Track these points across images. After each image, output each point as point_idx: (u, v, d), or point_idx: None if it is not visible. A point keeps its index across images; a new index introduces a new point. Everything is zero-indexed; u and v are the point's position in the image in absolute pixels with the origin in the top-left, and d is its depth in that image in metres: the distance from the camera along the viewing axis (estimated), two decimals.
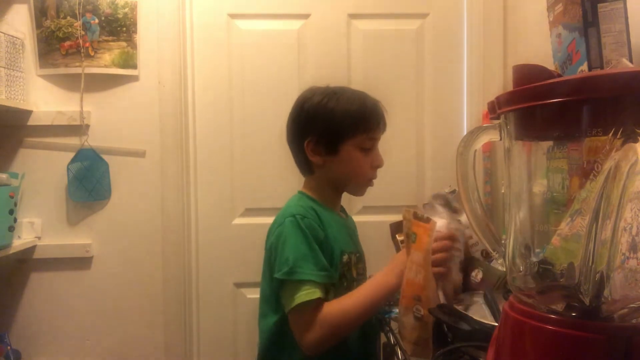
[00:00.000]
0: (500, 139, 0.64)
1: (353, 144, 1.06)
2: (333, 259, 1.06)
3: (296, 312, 0.97)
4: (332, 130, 1.06)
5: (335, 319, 0.98)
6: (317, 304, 0.97)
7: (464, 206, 0.68)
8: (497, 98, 0.61)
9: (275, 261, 1.02)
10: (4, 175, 1.64)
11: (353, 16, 1.89)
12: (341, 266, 1.08)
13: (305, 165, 1.12)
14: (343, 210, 1.25)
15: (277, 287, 1.02)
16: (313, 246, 1.00)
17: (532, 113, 0.57)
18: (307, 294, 0.96)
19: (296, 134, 1.11)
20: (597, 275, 0.52)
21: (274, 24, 1.89)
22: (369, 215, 1.81)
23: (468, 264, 1.12)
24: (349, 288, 1.07)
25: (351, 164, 1.08)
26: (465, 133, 0.69)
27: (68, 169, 1.78)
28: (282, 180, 1.75)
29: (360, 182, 1.12)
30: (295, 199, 1.12)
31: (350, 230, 1.20)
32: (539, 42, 1.42)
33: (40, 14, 1.76)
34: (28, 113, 1.77)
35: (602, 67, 0.93)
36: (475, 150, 0.67)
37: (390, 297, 1.05)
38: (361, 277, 1.14)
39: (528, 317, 0.56)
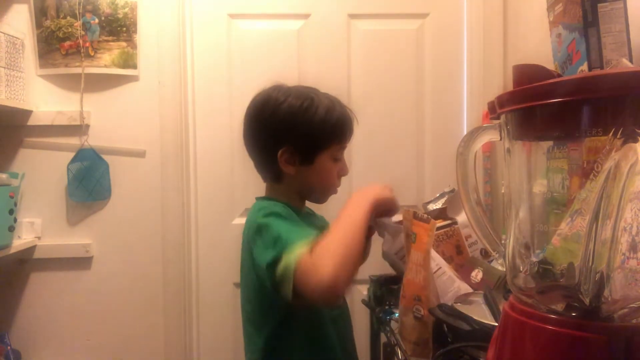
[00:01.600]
0: (500, 139, 0.64)
1: (328, 154, 1.02)
2: None
3: (299, 272, 0.83)
4: (311, 141, 1.00)
5: (329, 243, 0.86)
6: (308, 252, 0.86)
7: (464, 206, 0.68)
8: (497, 98, 0.61)
9: (259, 259, 0.92)
10: (4, 175, 1.64)
11: (353, 16, 1.89)
12: None
13: (274, 174, 1.05)
14: (311, 212, 1.21)
15: (270, 274, 0.88)
16: (294, 220, 0.96)
17: (532, 113, 0.57)
18: (298, 250, 0.85)
19: (267, 141, 1.02)
20: (597, 275, 0.52)
21: (274, 24, 1.89)
22: None
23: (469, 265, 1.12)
24: None
25: (323, 174, 1.04)
26: (465, 133, 0.69)
27: (68, 169, 1.78)
28: None
29: (328, 192, 1.08)
30: (266, 203, 1.04)
31: (316, 226, 1.13)
32: (539, 42, 1.42)
33: (40, 14, 1.76)
34: (28, 113, 1.77)
35: (602, 67, 0.93)
36: (476, 151, 0.67)
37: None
38: None
39: (528, 317, 0.56)
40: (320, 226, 1.13)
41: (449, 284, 1.00)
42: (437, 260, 1.03)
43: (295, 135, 1.00)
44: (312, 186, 1.06)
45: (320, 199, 1.10)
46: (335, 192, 1.10)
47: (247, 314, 1.08)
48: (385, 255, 1.14)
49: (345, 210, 0.95)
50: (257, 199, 1.11)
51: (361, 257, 0.92)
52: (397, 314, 1.17)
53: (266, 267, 0.88)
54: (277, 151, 1.00)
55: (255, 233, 0.94)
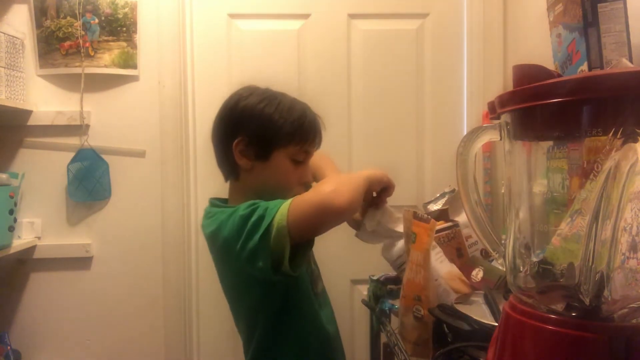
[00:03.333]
0: (500, 139, 0.64)
1: (286, 153, 1.00)
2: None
3: (295, 217, 0.87)
4: (267, 134, 0.99)
5: (319, 185, 0.95)
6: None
7: (464, 206, 0.68)
8: (497, 98, 0.61)
9: (250, 237, 0.89)
10: (4, 175, 1.64)
11: (353, 16, 1.89)
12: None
13: (230, 167, 1.04)
14: None
15: (264, 253, 0.88)
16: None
17: (532, 113, 0.57)
18: (283, 206, 0.88)
19: (225, 132, 1.02)
20: (597, 275, 0.52)
21: (274, 24, 1.89)
22: None
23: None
24: (311, 280, 1.06)
25: (280, 173, 1.01)
26: (465, 133, 0.69)
27: (68, 169, 1.78)
28: None
29: (286, 195, 1.00)
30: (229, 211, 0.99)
31: None
32: (539, 42, 1.42)
33: (40, 14, 1.76)
34: (28, 113, 1.77)
35: (602, 67, 0.93)
36: (476, 151, 0.67)
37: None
38: (315, 266, 1.14)
39: (528, 317, 0.56)
40: None
41: (445, 297, 1.00)
42: (436, 270, 1.02)
43: (251, 127, 0.99)
44: (267, 184, 1.02)
45: None
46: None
47: (237, 316, 1.07)
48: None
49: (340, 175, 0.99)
50: (211, 203, 1.08)
51: (359, 199, 0.95)
52: (396, 307, 1.18)
53: (259, 243, 0.87)
54: (232, 142, 1.00)
55: (240, 223, 0.91)
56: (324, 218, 0.90)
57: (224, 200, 1.10)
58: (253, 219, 0.89)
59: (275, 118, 0.99)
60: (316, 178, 1.16)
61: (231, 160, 1.02)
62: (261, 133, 0.99)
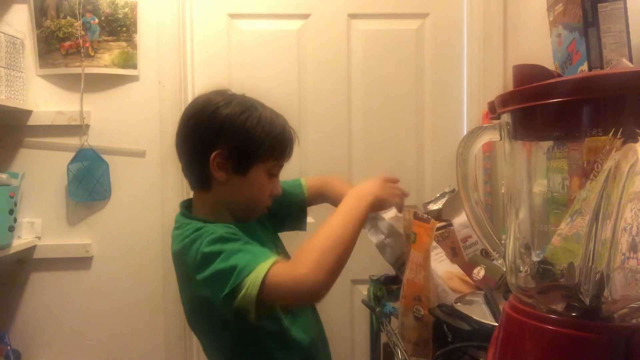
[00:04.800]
0: (500, 139, 0.64)
1: (263, 167, 0.98)
2: None
3: (269, 288, 0.80)
4: (248, 149, 0.95)
5: (315, 243, 0.84)
6: (278, 263, 0.83)
7: (464, 206, 0.68)
8: (497, 98, 0.61)
9: (212, 293, 0.85)
10: (4, 175, 1.64)
11: (353, 16, 1.89)
12: None
13: (202, 178, 0.98)
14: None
15: (226, 305, 0.83)
16: (244, 240, 0.88)
17: (532, 113, 0.57)
18: (263, 266, 0.81)
19: (202, 142, 0.96)
20: (597, 275, 0.52)
21: (274, 24, 1.89)
22: None
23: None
24: None
25: (255, 187, 0.99)
26: (465, 133, 0.69)
27: (68, 169, 1.78)
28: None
29: (257, 208, 1.02)
30: (194, 227, 0.95)
31: (257, 228, 1.08)
32: (539, 42, 1.42)
33: (40, 14, 1.76)
34: (28, 113, 1.77)
35: (602, 67, 0.93)
36: (476, 151, 0.67)
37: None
38: None
39: (528, 317, 0.56)
40: (267, 227, 1.09)
41: (444, 297, 1.00)
42: (434, 270, 1.02)
43: (231, 140, 0.94)
44: (241, 198, 0.99)
45: (248, 214, 1.03)
46: (264, 211, 1.04)
47: (201, 339, 1.03)
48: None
49: (343, 205, 0.94)
50: (181, 211, 1.04)
51: (349, 255, 0.88)
52: (397, 309, 1.18)
53: (222, 299, 0.83)
54: (210, 154, 0.94)
55: (201, 263, 0.87)
56: (298, 301, 0.88)
57: (190, 204, 1.06)
58: (219, 266, 0.84)
59: (258, 133, 0.95)
60: (334, 202, 1.14)
61: (205, 171, 0.96)
62: (242, 148, 0.95)
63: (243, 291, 0.81)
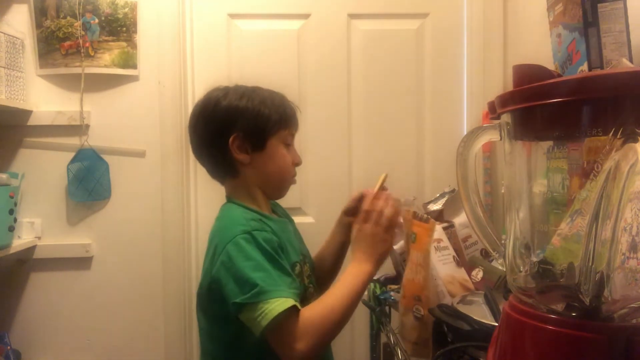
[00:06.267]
0: (500, 139, 0.64)
1: (278, 139, 1.03)
2: None
3: (273, 327, 0.85)
4: (259, 125, 1.01)
5: (321, 319, 0.89)
6: (294, 312, 0.87)
7: (464, 206, 0.68)
8: (497, 98, 0.61)
9: (227, 287, 0.90)
10: (4, 175, 1.64)
11: (353, 16, 1.89)
12: None
13: (227, 167, 1.04)
14: (279, 209, 1.18)
15: (235, 310, 0.89)
16: (278, 263, 0.91)
17: (532, 113, 0.57)
18: (280, 304, 0.85)
19: (215, 134, 1.02)
20: (597, 275, 0.52)
21: (274, 24, 1.89)
22: None
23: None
24: (304, 298, 0.98)
25: (278, 159, 1.04)
26: (465, 133, 0.69)
27: (68, 169, 1.78)
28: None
29: (286, 179, 1.07)
30: (239, 211, 1.01)
31: (292, 232, 1.12)
32: (539, 42, 1.42)
33: (40, 14, 1.76)
34: (28, 113, 1.77)
35: (602, 67, 0.93)
36: (476, 151, 0.67)
37: (369, 283, 1.01)
38: (310, 282, 1.07)
39: (528, 317, 0.56)
40: (289, 230, 1.11)
41: (442, 298, 1.00)
42: (436, 270, 1.02)
43: (241, 122, 1.01)
44: (268, 174, 1.05)
45: (279, 190, 1.09)
46: (293, 182, 1.09)
47: (200, 324, 1.04)
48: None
49: (348, 274, 0.96)
50: (228, 201, 1.08)
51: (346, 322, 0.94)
52: (393, 298, 1.18)
53: (232, 303, 0.88)
54: (227, 141, 1.00)
55: (229, 260, 0.91)
56: (282, 357, 0.90)
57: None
58: (245, 270, 0.88)
59: (262, 109, 1.02)
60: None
61: (228, 159, 1.02)
62: (253, 125, 1.01)
63: (254, 314, 0.86)
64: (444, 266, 1.06)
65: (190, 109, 1.83)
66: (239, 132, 1.01)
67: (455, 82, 1.92)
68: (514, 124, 0.60)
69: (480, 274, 1.07)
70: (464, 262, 1.15)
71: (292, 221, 1.20)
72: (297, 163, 1.08)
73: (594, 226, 0.51)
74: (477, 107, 1.87)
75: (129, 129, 1.83)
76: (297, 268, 1.02)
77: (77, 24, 1.76)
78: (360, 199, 1.06)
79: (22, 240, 1.75)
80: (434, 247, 1.05)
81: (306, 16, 1.89)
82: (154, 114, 1.82)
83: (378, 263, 0.99)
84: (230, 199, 1.08)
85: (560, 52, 1.07)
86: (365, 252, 0.98)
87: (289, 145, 1.06)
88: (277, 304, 0.85)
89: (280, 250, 0.96)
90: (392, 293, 1.23)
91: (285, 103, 1.07)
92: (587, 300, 0.52)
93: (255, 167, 1.03)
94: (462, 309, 0.89)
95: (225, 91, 1.05)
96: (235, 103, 1.02)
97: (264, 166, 1.04)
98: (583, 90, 0.51)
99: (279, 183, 1.07)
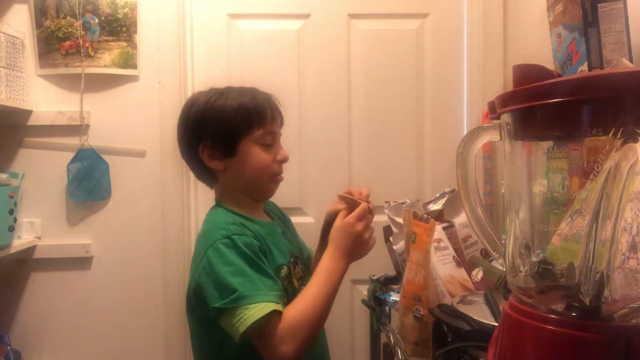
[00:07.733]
0: (500, 139, 0.64)
1: (251, 140, 0.99)
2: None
3: (255, 333, 0.86)
4: (226, 129, 0.98)
5: (303, 321, 0.88)
6: (276, 315, 0.87)
7: (464, 206, 0.68)
8: (497, 98, 0.61)
9: (207, 291, 0.89)
10: (4, 175, 1.64)
11: (353, 16, 1.89)
12: (281, 282, 0.97)
13: (207, 174, 1.04)
14: (273, 210, 1.17)
15: (215, 315, 0.89)
16: (259, 266, 0.91)
17: (532, 113, 0.57)
18: (260, 309, 0.85)
19: (188, 143, 1.02)
20: (597, 275, 0.52)
21: (274, 24, 1.89)
22: None
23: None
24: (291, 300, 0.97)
25: (252, 162, 1.00)
26: (465, 133, 0.69)
27: (68, 169, 1.78)
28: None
29: (265, 179, 1.03)
30: (222, 215, 0.99)
31: (280, 234, 1.09)
32: (539, 42, 1.42)
33: (40, 14, 1.76)
34: (28, 113, 1.77)
35: (602, 67, 0.93)
36: (476, 151, 0.67)
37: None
38: (302, 282, 1.05)
39: (528, 317, 0.56)
40: (277, 231, 1.09)
41: (441, 298, 1.00)
42: (436, 270, 1.02)
43: (208, 129, 0.99)
44: (246, 178, 1.02)
45: (263, 191, 1.06)
46: (278, 179, 1.06)
47: (190, 326, 1.04)
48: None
49: (325, 271, 0.94)
50: (216, 204, 1.07)
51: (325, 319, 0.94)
52: (393, 298, 1.18)
53: (212, 308, 0.88)
54: (198, 149, 1.00)
55: (209, 264, 0.90)
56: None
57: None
58: (224, 276, 0.88)
59: (227, 109, 0.98)
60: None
61: (204, 167, 1.01)
62: (219, 130, 0.99)
63: (232, 319, 0.86)
64: (443, 266, 1.06)
65: None
66: (206, 141, 0.99)
67: (455, 82, 1.92)
68: (514, 124, 0.60)
69: (480, 274, 1.07)
70: (464, 262, 1.15)
71: (288, 221, 1.19)
72: (281, 160, 1.04)
73: (594, 226, 0.51)
74: (477, 107, 1.87)
75: (129, 129, 1.83)
76: (284, 270, 1.01)
77: (77, 24, 1.76)
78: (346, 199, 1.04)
79: (22, 240, 1.75)
80: (434, 247, 1.05)
81: (306, 16, 1.89)
82: (154, 114, 1.82)
83: (351, 261, 0.98)
84: (218, 202, 1.07)
85: (560, 52, 1.07)
86: (345, 249, 0.97)
87: (268, 144, 1.02)
88: (256, 310, 0.85)
89: (263, 254, 0.95)
90: (392, 293, 1.23)
91: (256, 99, 1.01)
92: (587, 300, 0.52)
93: (231, 172, 1.01)
94: (462, 309, 0.89)
95: (196, 98, 1.03)
96: (202, 109, 1.00)
97: (240, 171, 1.01)
98: (583, 90, 0.51)
99: (259, 185, 1.04)
